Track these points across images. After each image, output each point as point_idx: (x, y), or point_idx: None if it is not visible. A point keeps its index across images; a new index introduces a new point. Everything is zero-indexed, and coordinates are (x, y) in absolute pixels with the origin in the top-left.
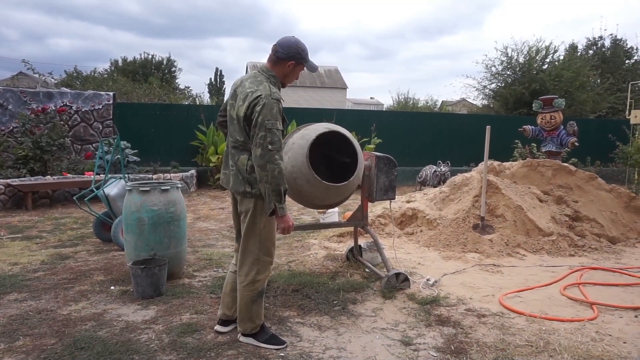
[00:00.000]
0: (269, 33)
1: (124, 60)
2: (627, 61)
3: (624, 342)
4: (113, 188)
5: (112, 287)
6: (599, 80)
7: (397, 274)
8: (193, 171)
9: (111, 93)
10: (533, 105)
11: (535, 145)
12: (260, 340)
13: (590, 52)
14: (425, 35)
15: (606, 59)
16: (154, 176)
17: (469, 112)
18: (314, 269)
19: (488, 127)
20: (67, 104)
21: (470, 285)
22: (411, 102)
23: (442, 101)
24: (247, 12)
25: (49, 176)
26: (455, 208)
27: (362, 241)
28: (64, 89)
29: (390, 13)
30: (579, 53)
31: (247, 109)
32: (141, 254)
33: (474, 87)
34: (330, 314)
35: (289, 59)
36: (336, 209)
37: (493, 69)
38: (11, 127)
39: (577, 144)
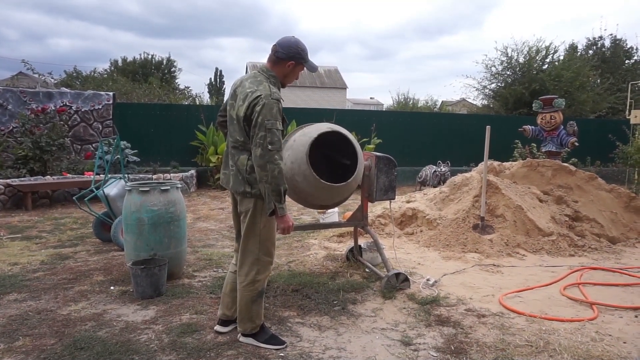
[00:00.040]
0: (269, 33)
1: (124, 60)
2: (627, 61)
3: (624, 342)
4: (113, 188)
5: (112, 287)
6: (598, 80)
7: (397, 274)
8: (193, 171)
9: (111, 93)
10: (533, 105)
11: (535, 145)
12: (260, 341)
13: (590, 52)
14: (425, 35)
15: (606, 59)
16: (154, 176)
17: (469, 112)
18: (314, 269)
19: (488, 127)
20: (67, 104)
21: (470, 285)
22: (411, 102)
23: (442, 101)
24: (247, 12)
25: (48, 176)
26: (455, 208)
27: (362, 241)
28: (64, 89)
29: (390, 13)
30: (579, 53)
31: (247, 109)
32: (141, 254)
33: (474, 87)
34: (330, 314)
35: (288, 59)
36: (336, 209)
37: (493, 69)
38: (11, 127)
39: (577, 144)
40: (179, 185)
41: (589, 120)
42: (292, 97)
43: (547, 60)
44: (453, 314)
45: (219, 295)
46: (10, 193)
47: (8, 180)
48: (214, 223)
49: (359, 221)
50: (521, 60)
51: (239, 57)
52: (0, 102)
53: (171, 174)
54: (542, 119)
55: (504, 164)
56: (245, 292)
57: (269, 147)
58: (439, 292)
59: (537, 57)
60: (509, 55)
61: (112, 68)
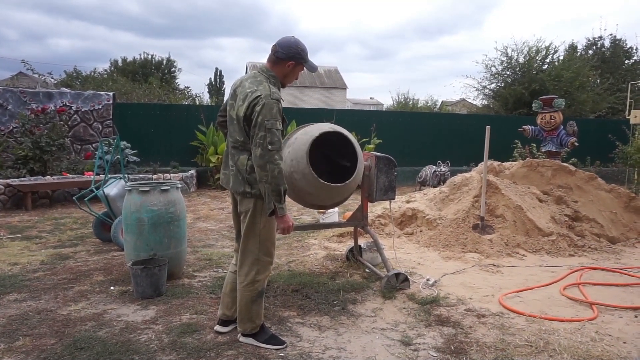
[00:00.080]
0: (269, 33)
1: (124, 60)
2: (626, 61)
3: (624, 342)
4: (113, 188)
5: (112, 287)
6: (598, 80)
7: (397, 274)
8: (193, 171)
9: (111, 93)
10: (533, 105)
11: (535, 145)
12: (260, 341)
13: (590, 52)
14: (425, 35)
15: (606, 59)
16: (154, 176)
17: (469, 112)
18: (313, 269)
19: (488, 127)
20: (67, 104)
21: (470, 285)
22: (411, 102)
23: (442, 101)
24: (247, 12)
25: (48, 176)
26: (455, 208)
27: (362, 241)
28: (64, 89)
29: (390, 13)
30: (579, 53)
31: (247, 109)
32: (141, 254)
33: (474, 87)
34: (330, 314)
35: (288, 59)
36: (336, 209)
37: (493, 69)
38: (11, 127)
39: (576, 144)
40: (179, 185)
41: (589, 120)
42: (292, 97)
43: (547, 60)
44: (453, 314)
45: (219, 295)
46: (10, 193)
47: (8, 180)
48: (214, 223)
49: (359, 221)
50: (521, 60)
51: (239, 57)
52: (0, 102)
53: (171, 174)
54: (541, 119)
55: (503, 164)
56: (245, 292)
57: (269, 147)
58: (439, 292)
59: (537, 57)
60: (509, 55)
61: (112, 68)
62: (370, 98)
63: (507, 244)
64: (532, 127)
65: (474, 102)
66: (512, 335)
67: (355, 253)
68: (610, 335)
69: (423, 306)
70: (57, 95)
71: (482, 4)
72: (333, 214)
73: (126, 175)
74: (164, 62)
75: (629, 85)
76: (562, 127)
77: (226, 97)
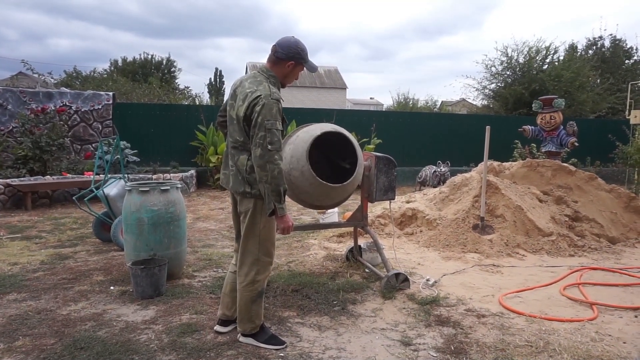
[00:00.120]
0: (268, 33)
1: (124, 60)
2: (626, 61)
3: (624, 342)
4: (113, 188)
5: (112, 287)
6: (598, 81)
7: (397, 274)
8: (193, 171)
9: (111, 93)
10: (533, 105)
11: (535, 145)
12: (260, 341)
13: (590, 52)
14: (425, 36)
15: (606, 59)
16: (154, 176)
17: (469, 113)
18: (313, 269)
19: (488, 127)
20: (67, 104)
21: (470, 285)
22: (411, 102)
23: (442, 101)
24: (247, 12)
25: (48, 176)
26: (455, 208)
27: (361, 241)
28: (64, 89)
29: (390, 13)
30: (579, 53)
31: (247, 109)
32: (141, 254)
33: (474, 87)
34: (330, 314)
35: (288, 59)
36: (336, 209)
37: (493, 69)
38: (11, 127)
39: (576, 144)
40: (179, 186)
41: (589, 120)
42: (292, 97)
43: (547, 60)
44: (453, 314)
45: (219, 295)
46: (10, 193)
47: (8, 180)
48: (213, 223)
49: (358, 221)
50: (521, 60)
51: (238, 57)
52: (0, 102)
53: (171, 174)
54: (542, 119)
55: (503, 164)
56: (245, 292)
57: (269, 147)
58: (439, 292)
59: (537, 57)
60: (509, 55)
61: (112, 68)
62: (370, 98)
63: (507, 244)
64: (532, 127)
65: (474, 103)
66: (512, 335)
67: (355, 253)
68: (610, 335)
69: (423, 306)
70: (57, 95)
71: (481, 5)
72: (333, 214)
73: (126, 175)
74: (164, 62)
75: (629, 85)
76: (562, 127)
77: (226, 97)
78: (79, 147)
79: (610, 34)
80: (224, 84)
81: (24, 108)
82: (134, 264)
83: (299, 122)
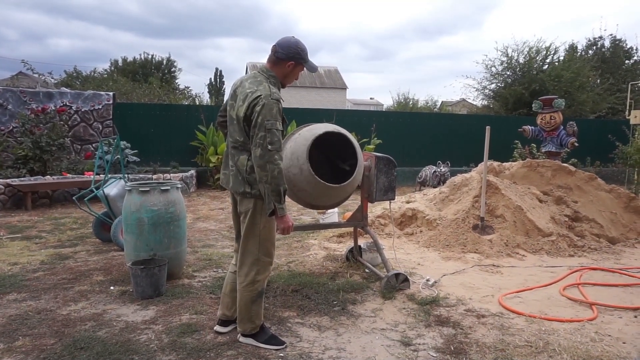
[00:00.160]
0: (268, 33)
1: (124, 60)
2: (626, 61)
3: (624, 343)
4: (113, 188)
5: (112, 287)
6: (598, 81)
7: (397, 275)
8: (193, 171)
9: (111, 93)
10: (533, 105)
11: (535, 145)
12: (259, 341)
13: (590, 52)
14: (425, 36)
15: (606, 59)
16: (154, 176)
17: (469, 113)
18: (313, 270)
19: (488, 127)
20: (67, 104)
21: (470, 285)
22: (411, 102)
23: (442, 101)
24: (247, 12)
25: (48, 176)
26: (455, 208)
27: (361, 241)
28: (64, 89)
29: (390, 13)
30: (579, 53)
31: (247, 109)
32: (141, 254)
33: (474, 87)
34: (330, 314)
35: (288, 60)
36: (336, 210)
37: (493, 69)
38: (11, 127)
39: (576, 144)
40: (179, 186)
41: (589, 120)
42: (292, 98)
43: (547, 60)
44: (453, 315)
45: (219, 295)
46: (10, 193)
47: (8, 180)
48: (213, 223)
49: (358, 221)
50: (521, 60)
51: (239, 58)
52: (0, 102)
53: (171, 174)
54: (542, 119)
55: (503, 164)
56: (245, 293)
57: (269, 147)
58: (439, 293)
59: (537, 58)
60: (509, 55)
61: (112, 68)
62: (370, 98)
63: (507, 244)
64: (532, 127)
65: (474, 103)
66: (512, 335)
67: (355, 253)
68: (609, 335)
69: (423, 306)
70: (57, 95)
71: (481, 5)
72: (333, 214)
73: (126, 175)
74: (164, 62)
75: (629, 85)
76: (562, 127)
77: (226, 97)
78: (79, 147)
79: (610, 34)
80: (224, 84)
81: (24, 108)
82: (134, 264)
83: (299, 122)
